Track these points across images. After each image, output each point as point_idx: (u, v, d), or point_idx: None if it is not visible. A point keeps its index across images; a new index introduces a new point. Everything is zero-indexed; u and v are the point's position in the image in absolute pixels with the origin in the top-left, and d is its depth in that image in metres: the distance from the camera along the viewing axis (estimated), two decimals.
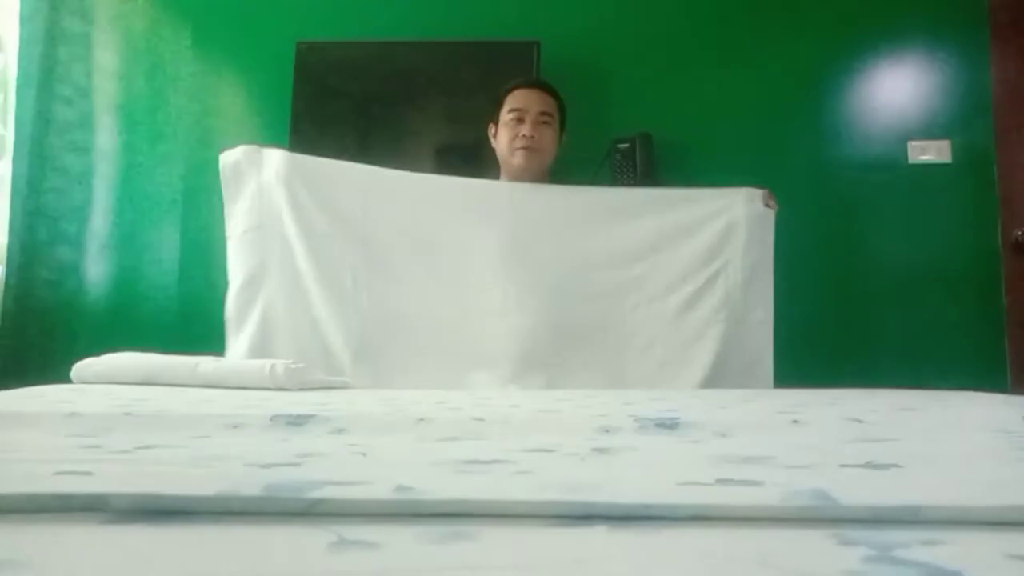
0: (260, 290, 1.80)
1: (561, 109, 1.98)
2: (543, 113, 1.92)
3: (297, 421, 0.81)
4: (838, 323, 2.40)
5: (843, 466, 0.54)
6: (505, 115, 1.94)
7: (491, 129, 2.01)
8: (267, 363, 1.42)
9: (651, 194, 2.00)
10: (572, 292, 1.84)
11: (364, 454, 0.60)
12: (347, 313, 1.77)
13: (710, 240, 1.88)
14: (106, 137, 2.55)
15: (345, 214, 1.82)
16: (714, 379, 1.81)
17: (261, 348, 1.75)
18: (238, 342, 1.78)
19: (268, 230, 1.80)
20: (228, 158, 1.85)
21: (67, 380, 1.51)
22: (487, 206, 1.89)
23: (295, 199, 1.80)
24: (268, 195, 1.81)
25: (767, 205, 1.94)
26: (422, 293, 1.81)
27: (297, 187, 1.80)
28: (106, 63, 2.57)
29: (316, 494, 0.39)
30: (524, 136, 1.90)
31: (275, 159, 1.82)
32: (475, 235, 1.85)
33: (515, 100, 1.94)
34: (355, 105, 2.42)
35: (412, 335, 1.79)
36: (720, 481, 0.46)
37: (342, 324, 1.76)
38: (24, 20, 2.45)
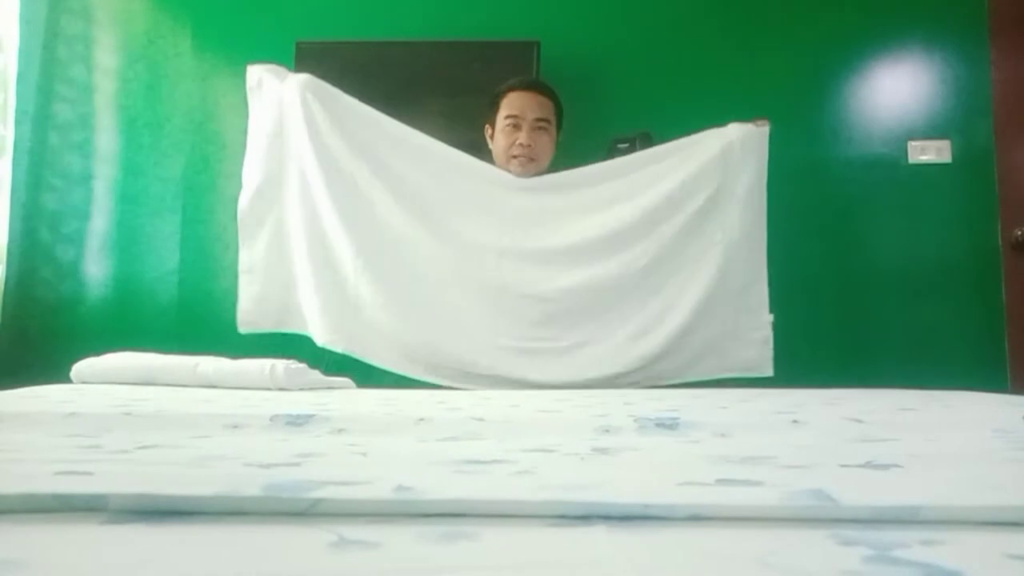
0: (275, 196, 1.84)
1: (558, 110, 1.97)
2: (540, 119, 1.91)
3: (297, 421, 0.81)
4: (838, 323, 2.40)
5: (843, 466, 0.54)
6: (501, 120, 1.93)
7: (487, 130, 2.01)
8: (267, 363, 1.42)
9: (648, 151, 2.01)
10: (575, 216, 1.86)
11: (364, 454, 0.60)
12: (354, 226, 1.79)
13: (706, 163, 1.89)
14: (106, 137, 2.55)
15: (357, 137, 1.85)
16: (711, 300, 1.83)
17: (276, 254, 1.83)
18: (253, 248, 1.85)
19: (285, 139, 1.85)
20: (254, 72, 1.90)
21: (67, 380, 1.51)
22: (490, 184, 1.91)
23: (311, 114, 1.83)
24: (287, 108, 1.85)
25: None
26: (425, 223, 1.83)
27: (314, 105, 1.84)
28: (106, 63, 2.57)
29: (316, 494, 0.39)
30: (521, 145, 1.90)
31: (298, 78, 1.87)
32: (478, 194, 1.89)
33: (511, 105, 1.93)
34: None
35: (412, 259, 1.81)
36: (720, 481, 0.46)
37: (349, 236, 1.78)
38: (24, 20, 2.45)
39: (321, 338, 1.77)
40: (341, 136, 1.83)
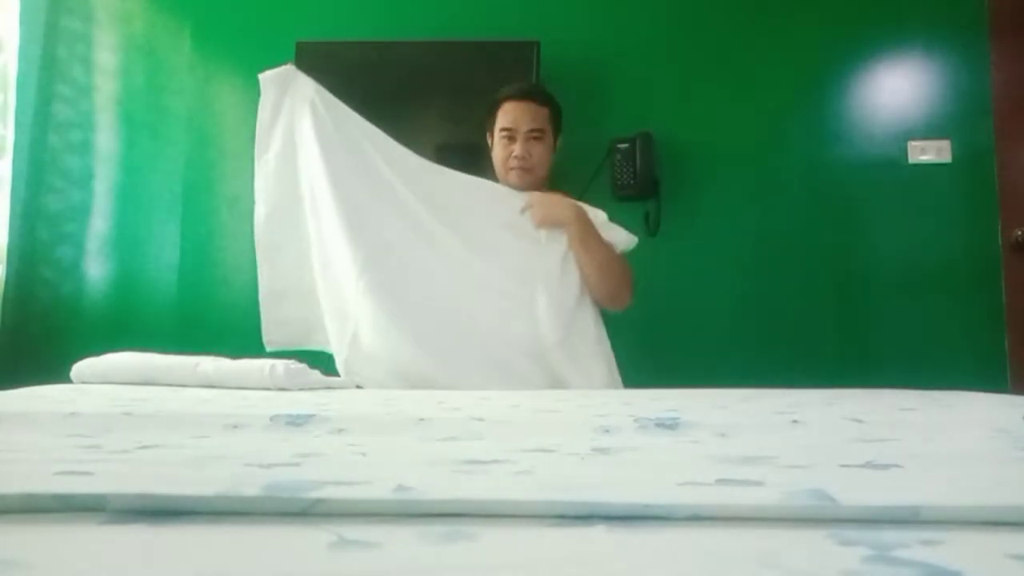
0: (292, 216, 1.82)
1: (554, 116, 1.94)
2: (533, 130, 1.90)
3: (297, 421, 0.81)
4: (838, 323, 2.40)
5: (843, 466, 0.54)
6: (497, 132, 1.94)
7: (488, 137, 2.01)
8: (267, 363, 1.42)
9: None
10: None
11: (364, 454, 0.60)
12: (360, 247, 1.76)
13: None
14: (106, 137, 2.55)
15: (365, 153, 1.85)
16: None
17: (298, 274, 1.80)
18: (274, 269, 1.82)
19: (296, 154, 1.83)
20: (266, 77, 1.87)
21: (67, 380, 1.51)
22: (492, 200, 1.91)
23: (322, 128, 1.82)
24: (298, 120, 1.83)
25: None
26: (433, 247, 1.82)
27: (324, 117, 1.83)
28: (106, 63, 2.57)
29: (316, 494, 0.39)
30: (516, 157, 1.90)
31: (304, 88, 1.85)
32: (482, 207, 1.88)
33: (505, 117, 1.92)
34: (355, 105, 2.41)
35: (420, 277, 1.79)
36: (720, 481, 0.46)
37: (355, 258, 1.75)
38: (24, 20, 2.45)
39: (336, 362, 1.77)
40: (347, 149, 1.83)
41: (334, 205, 1.77)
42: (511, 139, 1.91)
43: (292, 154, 1.83)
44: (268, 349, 1.81)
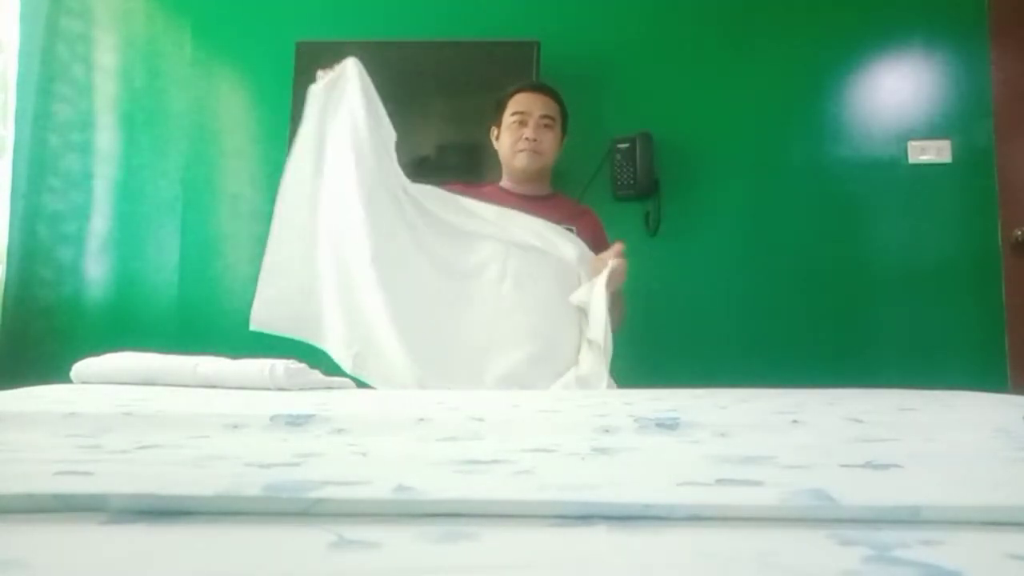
0: (305, 198, 1.77)
1: (563, 113, 2.01)
2: (545, 116, 1.95)
3: (297, 421, 0.81)
4: (838, 323, 2.40)
5: (843, 466, 0.54)
6: (508, 118, 1.97)
7: (493, 132, 2.03)
8: (267, 363, 1.42)
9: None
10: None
11: (364, 454, 0.60)
12: (378, 243, 1.72)
13: None
14: (106, 137, 2.55)
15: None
16: None
17: (299, 257, 1.75)
18: (279, 247, 1.76)
19: (321, 145, 1.78)
20: (315, 87, 1.82)
21: (67, 380, 1.51)
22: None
23: (363, 107, 1.78)
24: (339, 102, 1.79)
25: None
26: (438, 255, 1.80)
27: (363, 116, 1.78)
28: (106, 63, 2.57)
29: (316, 494, 0.39)
30: (527, 139, 1.93)
31: (353, 73, 1.81)
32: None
33: (517, 103, 1.97)
34: None
35: (427, 281, 1.77)
36: (720, 481, 0.46)
37: (375, 266, 1.71)
38: (24, 20, 2.46)
39: (335, 354, 1.72)
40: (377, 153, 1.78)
41: (359, 200, 1.72)
42: (522, 123, 1.94)
43: (317, 147, 1.78)
44: (251, 328, 1.74)
